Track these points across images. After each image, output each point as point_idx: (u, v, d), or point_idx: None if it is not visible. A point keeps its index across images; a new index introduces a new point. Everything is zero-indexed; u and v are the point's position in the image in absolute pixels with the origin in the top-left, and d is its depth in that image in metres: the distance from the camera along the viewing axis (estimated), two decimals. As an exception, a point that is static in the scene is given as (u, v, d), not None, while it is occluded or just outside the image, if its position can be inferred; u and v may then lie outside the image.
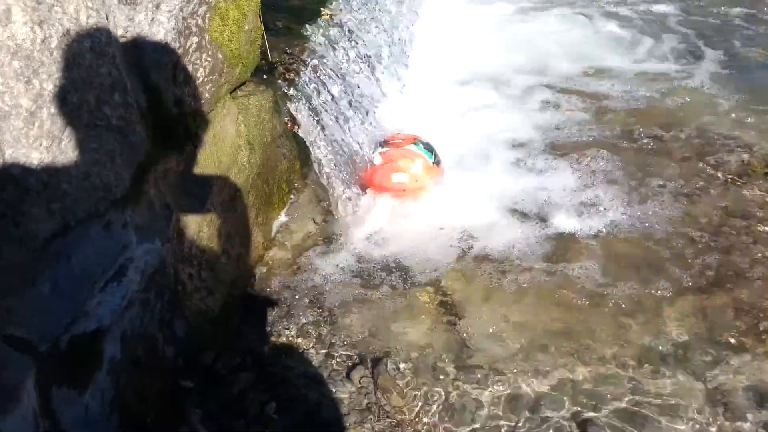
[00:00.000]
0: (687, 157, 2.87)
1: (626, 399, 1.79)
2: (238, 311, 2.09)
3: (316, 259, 2.33)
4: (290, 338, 2.01)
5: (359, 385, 1.85)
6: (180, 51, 1.71)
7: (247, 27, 2.07)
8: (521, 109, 3.36)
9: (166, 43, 1.65)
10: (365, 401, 1.80)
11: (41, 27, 1.19)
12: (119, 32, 1.49)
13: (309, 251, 2.37)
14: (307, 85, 2.53)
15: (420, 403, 1.80)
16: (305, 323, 2.06)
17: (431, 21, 4.21)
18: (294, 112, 2.43)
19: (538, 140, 3.05)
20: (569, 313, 2.07)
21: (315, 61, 2.65)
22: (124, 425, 1.53)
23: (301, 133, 2.45)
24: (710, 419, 1.73)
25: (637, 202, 2.57)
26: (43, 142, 1.23)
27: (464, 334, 2.01)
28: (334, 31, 2.90)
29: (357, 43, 3.04)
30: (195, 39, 1.77)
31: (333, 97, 2.64)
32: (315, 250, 2.38)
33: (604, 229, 2.43)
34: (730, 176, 2.72)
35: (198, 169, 1.87)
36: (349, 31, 3.05)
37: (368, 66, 3.05)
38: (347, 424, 1.74)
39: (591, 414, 1.75)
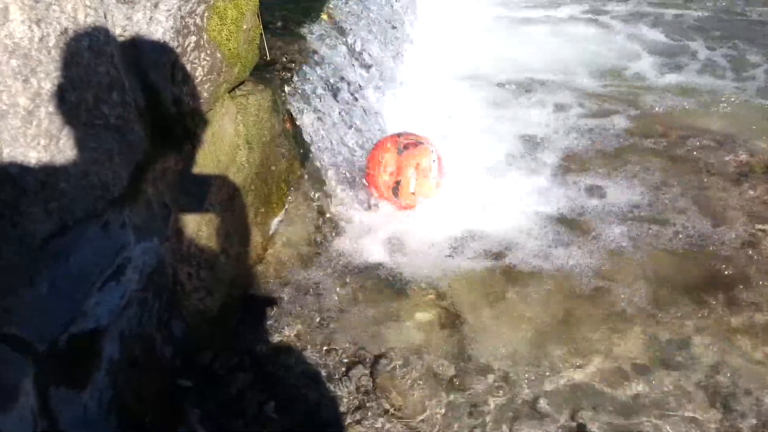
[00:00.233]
0: (689, 157, 2.88)
1: (627, 400, 1.79)
2: (236, 311, 2.09)
3: (315, 259, 2.32)
4: (288, 338, 2.01)
5: (358, 385, 1.85)
6: (178, 50, 1.70)
7: (245, 26, 2.07)
8: (527, 111, 3.34)
9: (165, 42, 1.65)
10: (364, 401, 1.80)
11: (39, 25, 1.19)
12: (117, 31, 1.49)
13: (308, 251, 2.37)
14: (305, 84, 2.52)
15: (419, 403, 1.80)
16: (304, 323, 2.05)
17: (431, 19, 4.21)
18: (292, 112, 2.43)
19: (541, 142, 3.04)
20: (570, 315, 2.07)
21: (313, 61, 2.64)
22: (123, 425, 1.53)
23: (299, 133, 2.44)
24: (711, 419, 1.73)
25: (639, 203, 2.57)
26: (41, 141, 1.23)
27: (464, 335, 2.01)
28: (332, 31, 2.90)
29: (356, 43, 3.04)
30: (193, 38, 1.77)
31: (332, 96, 2.64)
32: (314, 249, 2.38)
33: (605, 230, 2.43)
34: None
35: (196, 169, 1.87)
36: (349, 30, 3.05)
37: (367, 65, 3.05)
38: (346, 424, 1.74)
39: (592, 414, 1.75)
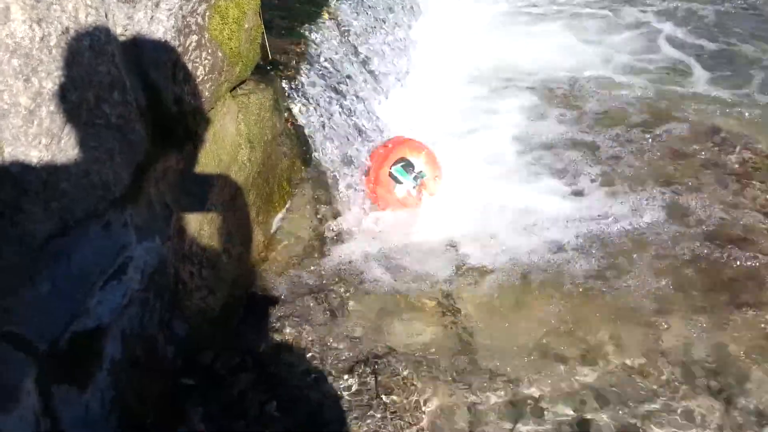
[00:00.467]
0: (690, 154, 2.87)
1: (628, 400, 1.79)
2: (237, 311, 2.09)
3: (317, 258, 2.32)
4: (290, 337, 2.00)
5: (360, 384, 1.84)
6: (179, 49, 1.70)
7: (247, 25, 2.07)
8: (530, 113, 3.31)
9: (166, 41, 1.64)
10: (366, 400, 1.80)
11: (40, 25, 1.18)
12: (118, 30, 1.48)
13: (309, 250, 2.37)
14: (307, 83, 2.52)
15: (421, 402, 1.79)
16: (306, 322, 2.05)
17: (435, 17, 4.19)
18: (294, 111, 2.42)
19: (544, 143, 3.02)
20: (571, 315, 2.06)
21: (315, 60, 2.64)
22: (124, 425, 1.53)
23: (301, 131, 2.44)
24: (711, 419, 1.73)
25: (641, 204, 2.56)
26: (42, 141, 1.23)
27: (466, 335, 2.01)
28: (334, 30, 2.89)
29: (357, 42, 3.04)
30: (195, 37, 1.76)
31: (333, 95, 2.63)
32: (316, 249, 2.37)
33: (606, 231, 2.42)
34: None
35: (198, 168, 1.87)
36: (350, 29, 3.04)
37: (368, 64, 3.04)
38: (348, 423, 1.74)
39: (592, 415, 1.75)
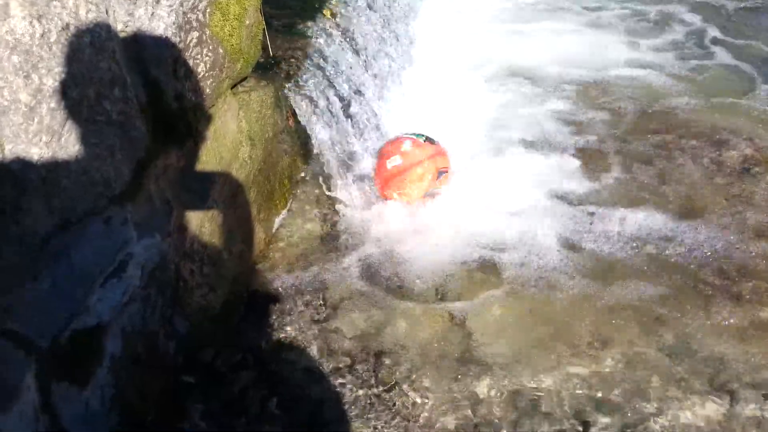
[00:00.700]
0: (691, 153, 2.86)
1: (628, 400, 1.78)
2: (238, 308, 2.09)
3: (318, 256, 2.32)
4: (291, 335, 2.00)
5: (361, 382, 1.84)
6: (180, 46, 1.70)
7: (248, 22, 2.06)
8: (537, 108, 3.28)
9: (167, 38, 1.64)
10: (367, 398, 1.80)
11: (40, 21, 1.18)
12: (119, 27, 1.48)
13: (311, 248, 2.36)
14: (308, 80, 2.51)
15: (422, 400, 1.79)
16: (307, 319, 2.05)
17: (435, 15, 4.18)
18: (295, 108, 2.42)
19: (548, 141, 3.01)
20: (572, 314, 2.06)
21: (316, 57, 2.63)
22: (124, 422, 1.53)
23: (302, 129, 2.44)
24: (712, 419, 1.73)
25: (643, 205, 2.55)
26: (42, 138, 1.23)
27: (467, 333, 2.00)
28: (334, 28, 2.89)
29: (358, 39, 3.03)
30: (195, 34, 1.76)
31: (334, 92, 2.63)
32: (317, 246, 2.37)
33: (606, 231, 2.42)
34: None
35: (199, 165, 1.87)
36: (351, 27, 3.04)
37: (369, 61, 3.04)
38: (349, 421, 1.74)
39: (592, 415, 1.74)
